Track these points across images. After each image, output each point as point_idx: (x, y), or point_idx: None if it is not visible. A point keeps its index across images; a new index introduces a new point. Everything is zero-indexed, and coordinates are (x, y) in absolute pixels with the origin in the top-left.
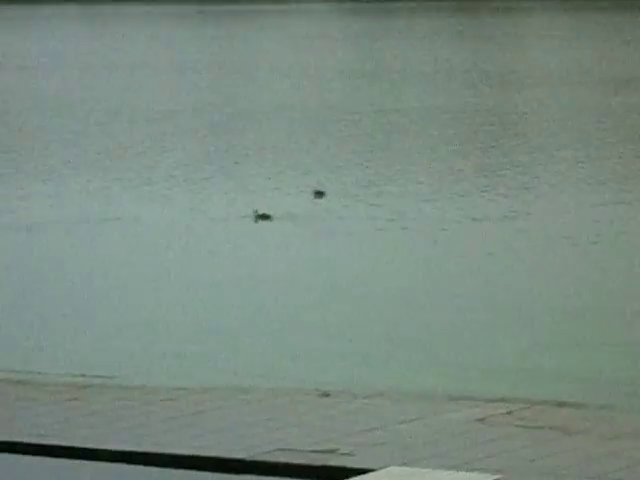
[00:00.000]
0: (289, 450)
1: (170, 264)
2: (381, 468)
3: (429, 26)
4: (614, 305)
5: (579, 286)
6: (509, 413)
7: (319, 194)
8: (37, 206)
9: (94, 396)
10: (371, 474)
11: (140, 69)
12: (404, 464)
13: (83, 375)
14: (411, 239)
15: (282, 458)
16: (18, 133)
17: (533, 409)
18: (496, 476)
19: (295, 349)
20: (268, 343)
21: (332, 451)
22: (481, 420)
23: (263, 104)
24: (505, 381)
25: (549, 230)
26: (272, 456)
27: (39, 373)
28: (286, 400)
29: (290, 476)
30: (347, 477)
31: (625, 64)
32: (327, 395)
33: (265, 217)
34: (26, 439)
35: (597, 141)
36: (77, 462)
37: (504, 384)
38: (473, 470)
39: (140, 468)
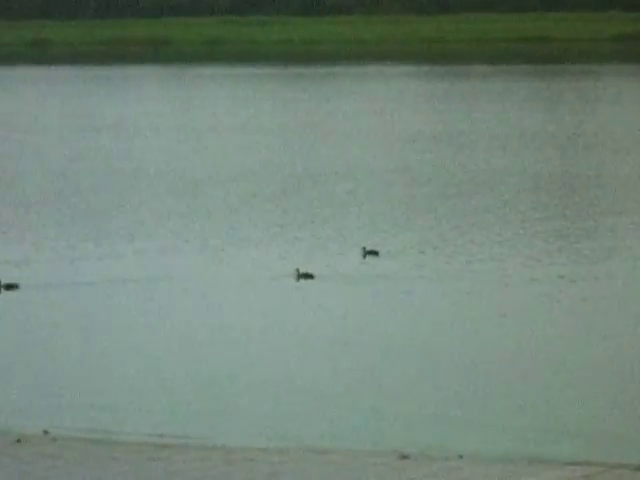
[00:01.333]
0: None
1: (233, 322)
2: None
3: (504, 89)
4: None
5: None
6: (587, 477)
7: (371, 253)
8: (110, 265)
9: (174, 455)
10: None
11: (214, 131)
12: None
13: (162, 435)
14: (472, 300)
15: None
16: (100, 195)
17: (611, 473)
18: None
19: (372, 411)
20: (345, 404)
21: None
22: None
23: (332, 166)
24: (583, 444)
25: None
26: None
27: (118, 433)
28: (365, 462)
29: None
30: None
31: None
32: (406, 457)
33: (308, 276)
34: None
35: None
36: None
37: (582, 447)
38: None
39: None
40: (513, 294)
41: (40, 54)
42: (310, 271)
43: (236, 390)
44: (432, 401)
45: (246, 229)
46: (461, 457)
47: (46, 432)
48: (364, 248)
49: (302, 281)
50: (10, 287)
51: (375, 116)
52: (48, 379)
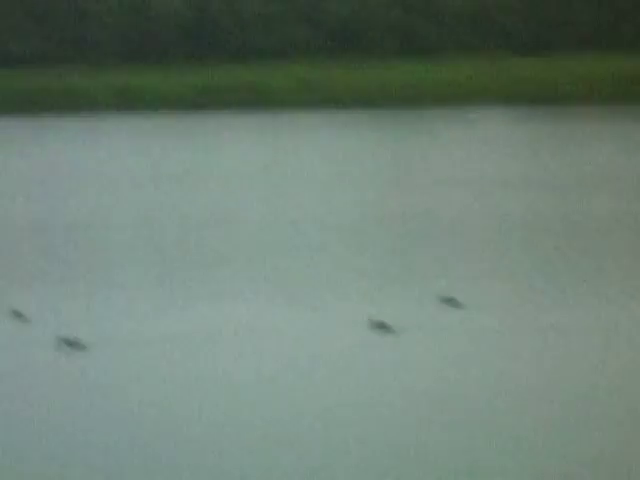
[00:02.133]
0: None
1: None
2: None
3: (603, 130)
4: None
5: None
6: None
7: (450, 302)
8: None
9: None
10: None
11: (310, 180)
12: None
13: None
14: (570, 352)
15: None
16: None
17: None
18: None
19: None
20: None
21: None
22: None
23: (413, 211)
24: None
25: None
26: None
27: None
28: None
29: None
30: None
31: None
32: None
33: (383, 326)
34: None
35: None
36: None
37: None
38: None
39: None
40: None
41: (126, 102)
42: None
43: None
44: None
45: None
46: None
47: None
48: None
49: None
50: None
51: (468, 161)
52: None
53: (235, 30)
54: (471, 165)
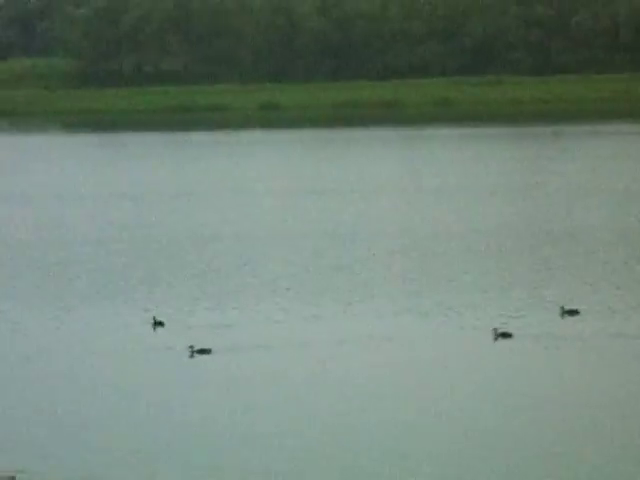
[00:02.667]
0: None
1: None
2: None
3: None
4: None
5: None
6: None
7: (571, 313)
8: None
9: None
10: None
11: (443, 191)
12: None
13: None
14: None
15: None
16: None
17: None
18: None
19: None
20: None
21: None
22: None
23: (551, 226)
24: None
25: None
26: None
27: None
28: None
29: None
30: None
31: None
32: None
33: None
34: None
35: None
36: None
37: None
38: None
39: None
40: None
41: (270, 117)
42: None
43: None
44: None
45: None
46: None
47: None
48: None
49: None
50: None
51: (599, 176)
52: None
53: (377, 49)
54: (603, 177)
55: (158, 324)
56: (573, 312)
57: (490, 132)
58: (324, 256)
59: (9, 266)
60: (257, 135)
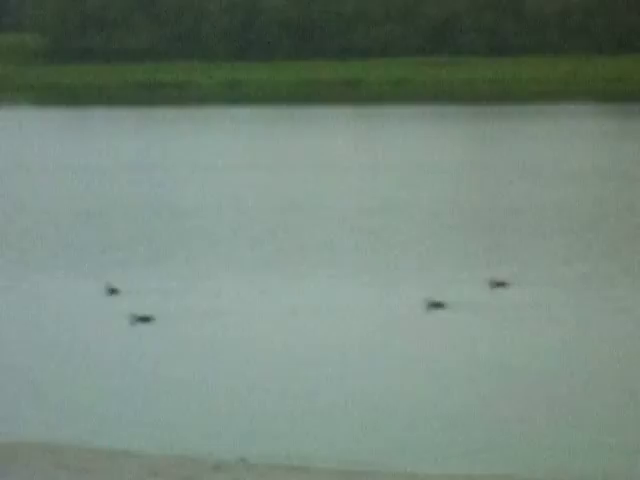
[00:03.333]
0: None
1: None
2: None
3: None
4: None
5: None
6: None
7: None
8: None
9: None
10: None
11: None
12: None
13: (350, 461)
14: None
15: None
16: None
17: None
18: None
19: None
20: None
21: None
22: None
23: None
24: None
25: None
26: None
27: (314, 459)
28: None
29: None
30: None
31: None
32: None
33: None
34: None
35: None
36: None
37: None
38: None
39: None
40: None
41: (233, 94)
42: None
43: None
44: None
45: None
46: None
47: (243, 459)
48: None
49: None
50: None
51: (547, 154)
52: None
53: (336, 28)
54: (547, 157)
55: (112, 291)
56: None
57: (445, 111)
58: (276, 229)
59: None
60: (219, 112)
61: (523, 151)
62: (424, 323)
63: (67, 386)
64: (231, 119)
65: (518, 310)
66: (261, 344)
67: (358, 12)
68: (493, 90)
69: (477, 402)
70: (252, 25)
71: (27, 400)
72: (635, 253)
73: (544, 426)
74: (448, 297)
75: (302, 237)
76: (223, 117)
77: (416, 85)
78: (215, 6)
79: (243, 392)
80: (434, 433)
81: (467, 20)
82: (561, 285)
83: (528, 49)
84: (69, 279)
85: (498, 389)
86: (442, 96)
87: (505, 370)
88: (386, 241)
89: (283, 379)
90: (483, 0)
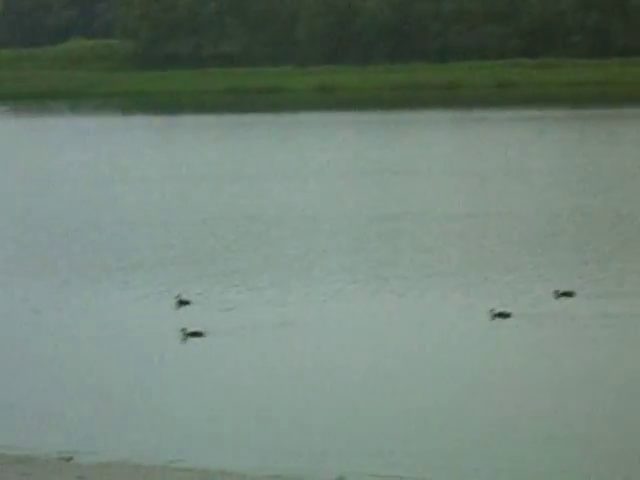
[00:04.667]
0: None
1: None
2: None
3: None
4: None
5: None
6: None
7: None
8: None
9: None
10: None
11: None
12: None
13: None
14: None
15: None
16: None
17: None
18: None
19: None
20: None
21: None
22: None
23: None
24: None
25: None
26: None
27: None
28: None
29: None
30: None
31: None
32: None
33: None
34: None
35: None
36: None
37: None
38: None
39: None
40: None
41: (327, 99)
42: None
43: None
44: None
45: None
46: None
47: (341, 478)
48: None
49: None
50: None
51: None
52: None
53: (435, 30)
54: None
55: (183, 303)
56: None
57: (547, 115)
58: (365, 237)
59: (54, 245)
60: (313, 117)
61: (627, 156)
62: (489, 333)
63: (152, 404)
64: (324, 124)
65: (585, 319)
66: (342, 357)
67: (457, 13)
68: (597, 92)
69: (548, 414)
70: (347, 28)
71: (116, 419)
72: None
73: (613, 438)
74: (513, 307)
75: (384, 247)
76: (316, 122)
77: (518, 88)
78: (309, 9)
79: (335, 408)
80: (511, 448)
81: (571, 20)
82: (632, 296)
83: (634, 50)
84: (141, 291)
85: (564, 401)
86: (545, 99)
87: (573, 381)
88: (462, 247)
89: (368, 394)
90: (587, 0)
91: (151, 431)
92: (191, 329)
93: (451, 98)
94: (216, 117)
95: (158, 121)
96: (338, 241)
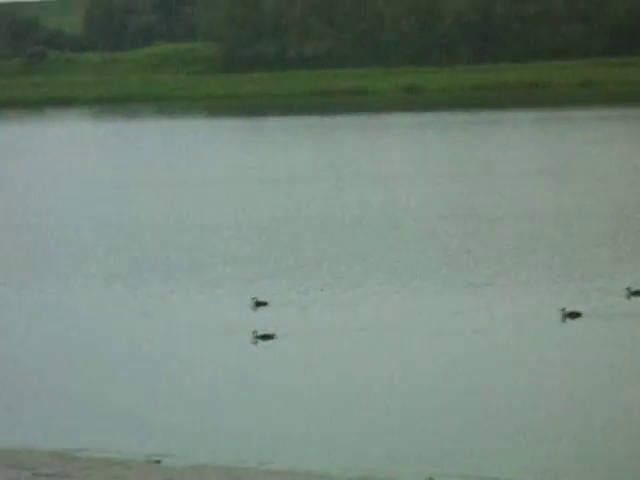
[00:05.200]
0: None
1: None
2: None
3: None
4: None
5: None
6: None
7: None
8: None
9: None
10: None
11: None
12: None
13: None
14: None
15: None
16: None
17: None
18: None
19: None
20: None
21: None
22: None
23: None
24: None
25: None
26: None
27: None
28: None
29: None
30: None
31: None
32: None
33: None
34: None
35: None
36: None
37: None
38: None
39: None
40: None
41: (412, 100)
42: None
43: None
44: None
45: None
46: None
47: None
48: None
49: None
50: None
51: None
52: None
53: (519, 30)
54: None
55: (260, 304)
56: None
57: (632, 113)
58: (444, 237)
59: (148, 248)
60: (398, 118)
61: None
62: (561, 332)
63: (236, 406)
64: (410, 126)
65: None
66: (421, 358)
67: (541, 12)
68: None
69: (621, 413)
70: (432, 29)
71: (201, 422)
72: None
73: None
74: (584, 306)
75: (464, 247)
76: (402, 124)
77: (602, 86)
78: (393, 10)
79: (421, 410)
80: (602, 445)
81: None
82: None
83: None
84: (217, 292)
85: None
86: (629, 97)
87: None
88: (531, 248)
89: (450, 394)
90: None
91: (237, 433)
92: (262, 332)
93: (535, 98)
94: (301, 119)
95: (243, 124)
96: (417, 241)
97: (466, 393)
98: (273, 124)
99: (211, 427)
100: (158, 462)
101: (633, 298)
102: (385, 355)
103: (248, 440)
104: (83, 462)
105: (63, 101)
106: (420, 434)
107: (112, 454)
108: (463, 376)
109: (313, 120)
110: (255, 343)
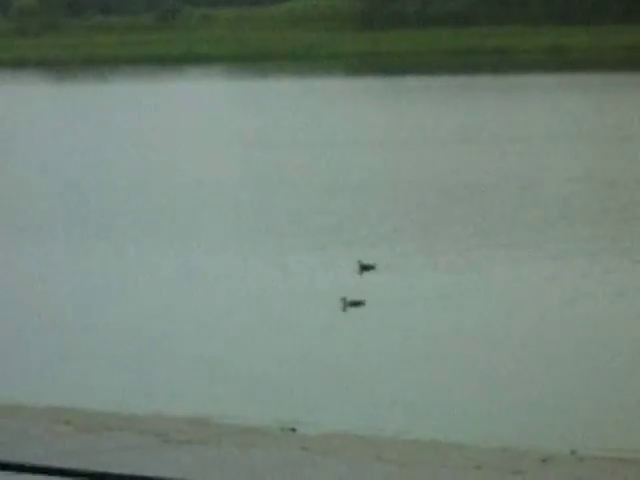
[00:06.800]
0: None
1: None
2: None
3: None
4: None
5: None
6: None
7: None
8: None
9: None
10: None
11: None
12: None
13: None
14: None
15: None
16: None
17: None
18: None
19: None
20: None
21: None
22: None
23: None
24: None
25: None
26: None
27: None
28: None
29: None
30: None
31: None
32: None
33: None
34: None
35: None
36: None
37: None
38: None
39: None
40: None
41: (556, 60)
42: None
43: None
44: None
45: None
46: None
47: (573, 452)
48: None
49: None
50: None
51: None
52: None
53: None
54: None
55: (366, 268)
56: None
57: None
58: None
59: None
60: (542, 79)
61: None
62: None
63: (375, 375)
64: (554, 87)
65: None
66: (521, 326)
67: None
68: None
69: None
70: None
71: (337, 391)
72: None
73: None
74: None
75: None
76: (546, 85)
77: None
78: None
79: (550, 381)
80: None
81: None
82: None
83: None
84: (320, 254)
85: None
86: None
87: None
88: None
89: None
90: None
91: (368, 402)
92: (351, 298)
93: None
94: (442, 79)
95: (382, 83)
96: (538, 207)
97: (606, 362)
98: (413, 83)
99: (345, 395)
100: (294, 430)
101: None
102: (495, 324)
103: (380, 409)
104: (216, 428)
105: (197, 58)
106: (559, 407)
107: (243, 420)
108: (604, 344)
109: (454, 80)
110: (344, 310)
